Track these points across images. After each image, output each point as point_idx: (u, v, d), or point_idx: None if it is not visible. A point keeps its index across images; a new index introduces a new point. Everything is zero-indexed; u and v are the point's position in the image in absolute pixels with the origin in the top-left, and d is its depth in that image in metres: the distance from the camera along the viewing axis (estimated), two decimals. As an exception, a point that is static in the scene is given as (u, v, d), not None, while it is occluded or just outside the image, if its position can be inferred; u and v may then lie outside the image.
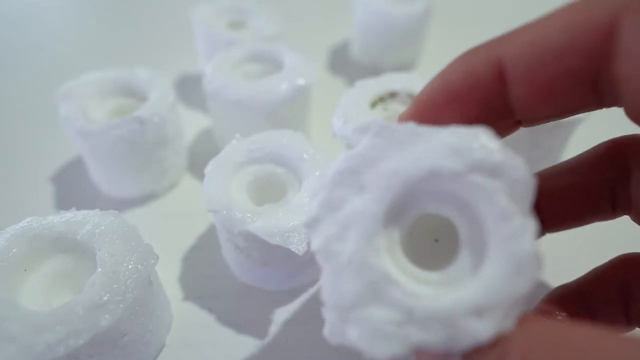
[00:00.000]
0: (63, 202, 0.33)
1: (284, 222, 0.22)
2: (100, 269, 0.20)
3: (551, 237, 0.21)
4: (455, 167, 0.14)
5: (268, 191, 0.27)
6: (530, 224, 0.13)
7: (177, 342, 0.24)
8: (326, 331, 0.15)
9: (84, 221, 0.22)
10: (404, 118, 0.17)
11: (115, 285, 0.20)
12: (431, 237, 0.17)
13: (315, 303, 0.26)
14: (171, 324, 0.25)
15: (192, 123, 0.39)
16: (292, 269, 0.26)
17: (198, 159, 0.36)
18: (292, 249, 0.22)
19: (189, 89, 0.43)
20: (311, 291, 0.27)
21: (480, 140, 0.14)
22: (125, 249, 0.21)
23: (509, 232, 0.13)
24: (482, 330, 0.13)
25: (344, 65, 0.47)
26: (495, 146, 0.14)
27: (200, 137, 0.38)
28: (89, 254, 0.22)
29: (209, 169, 0.25)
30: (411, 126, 0.15)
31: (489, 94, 0.15)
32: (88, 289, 0.19)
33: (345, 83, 0.45)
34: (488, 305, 0.13)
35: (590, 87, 0.14)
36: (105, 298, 0.19)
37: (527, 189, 0.13)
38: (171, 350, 0.24)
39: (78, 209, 0.23)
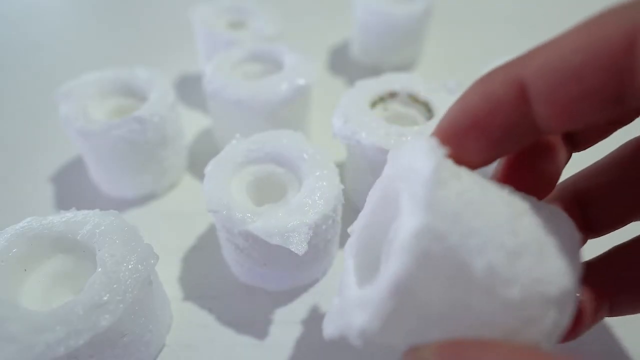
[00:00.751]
0: (63, 202, 0.33)
1: (284, 222, 0.22)
2: (100, 269, 0.20)
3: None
4: (388, 173, 0.17)
5: (268, 191, 0.27)
6: (412, 222, 0.13)
7: (177, 342, 0.24)
8: None
9: (84, 221, 0.22)
10: None
11: (115, 285, 0.20)
12: None
13: (316, 303, 0.26)
14: (171, 324, 0.25)
15: (192, 123, 0.39)
16: (292, 269, 0.26)
17: (198, 159, 0.36)
18: (292, 249, 0.22)
19: (189, 89, 0.43)
20: (311, 291, 0.27)
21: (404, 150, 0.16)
22: (125, 249, 0.21)
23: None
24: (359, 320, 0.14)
25: (344, 65, 0.47)
26: (413, 152, 0.15)
27: (200, 137, 0.38)
28: (89, 254, 0.22)
29: (209, 169, 0.25)
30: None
31: (510, 115, 0.16)
32: (88, 289, 0.19)
33: (345, 83, 0.45)
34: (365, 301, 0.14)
35: (615, 103, 0.14)
36: (105, 298, 0.19)
37: (423, 188, 0.13)
38: (171, 350, 0.24)
39: (78, 209, 0.23)
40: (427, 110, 0.29)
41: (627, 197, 0.19)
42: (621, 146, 0.19)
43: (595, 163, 0.20)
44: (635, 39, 0.13)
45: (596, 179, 0.19)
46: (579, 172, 0.20)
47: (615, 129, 0.18)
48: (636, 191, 0.19)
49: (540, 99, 0.15)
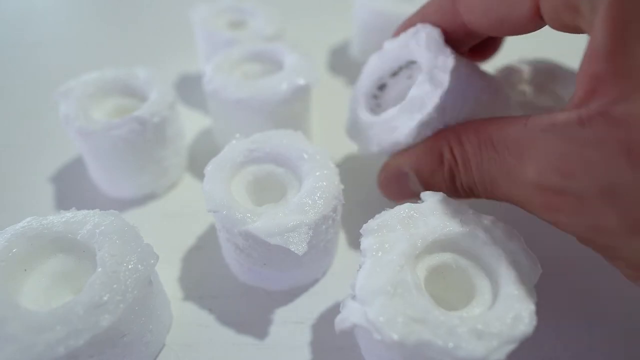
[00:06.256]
0: (63, 202, 0.33)
1: (284, 222, 0.22)
2: (100, 269, 0.20)
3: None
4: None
5: (268, 191, 0.27)
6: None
7: (177, 342, 0.24)
8: None
9: (84, 221, 0.22)
10: None
11: (115, 285, 0.20)
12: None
13: (316, 303, 0.26)
14: (171, 324, 0.25)
15: (192, 123, 0.39)
16: (292, 269, 0.26)
17: (198, 159, 0.36)
18: (292, 249, 0.22)
19: (189, 89, 0.43)
20: (311, 291, 0.27)
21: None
22: (125, 249, 0.21)
23: None
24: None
25: (344, 65, 0.47)
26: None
27: (200, 137, 0.38)
28: (89, 254, 0.22)
29: (209, 169, 0.25)
30: None
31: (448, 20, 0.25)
32: (88, 289, 0.19)
33: (345, 83, 0.45)
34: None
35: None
36: (105, 298, 0.19)
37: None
38: (171, 350, 0.24)
39: (78, 209, 0.23)
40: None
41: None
42: None
43: None
44: None
45: None
46: None
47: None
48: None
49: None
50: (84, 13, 0.59)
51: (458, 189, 0.23)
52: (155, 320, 0.23)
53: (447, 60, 0.24)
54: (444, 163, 0.23)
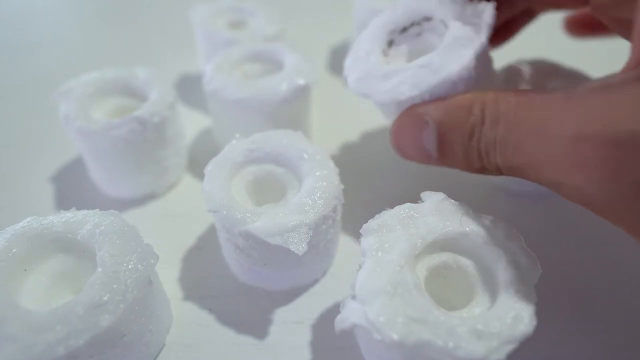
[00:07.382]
0: (63, 202, 0.33)
1: (284, 222, 0.22)
2: (100, 269, 0.20)
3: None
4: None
5: (268, 191, 0.27)
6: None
7: (177, 342, 0.24)
8: None
9: (84, 221, 0.22)
10: None
11: (115, 285, 0.20)
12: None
13: (316, 303, 0.26)
14: (171, 324, 0.25)
15: (192, 123, 0.39)
16: (292, 269, 0.26)
17: (198, 159, 0.36)
18: (292, 249, 0.22)
19: (189, 89, 0.43)
20: (311, 291, 0.27)
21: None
22: (125, 249, 0.21)
23: None
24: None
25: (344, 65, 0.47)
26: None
27: (200, 137, 0.38)
28: (89, 254, 0.22)
29: (209, 169, 0.25)
30: None
31: None
32: (88, 289, 0.19)
33: (345, 83, 0.45)
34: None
35: None
36: (105, 298, 0.19)
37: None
38: (171, 350, 0.24)
39: (78, 209, 0.23)
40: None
41: None
42: None
43: None
44: None
45: None
46: None
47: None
48: None
49: None
50: (84, 13, 0.59)
51: (474, 150, 0.22)
52: (155, 320, 0.23)
53: (479, 6, 0.23)
54: (469, 121, 0.22)
